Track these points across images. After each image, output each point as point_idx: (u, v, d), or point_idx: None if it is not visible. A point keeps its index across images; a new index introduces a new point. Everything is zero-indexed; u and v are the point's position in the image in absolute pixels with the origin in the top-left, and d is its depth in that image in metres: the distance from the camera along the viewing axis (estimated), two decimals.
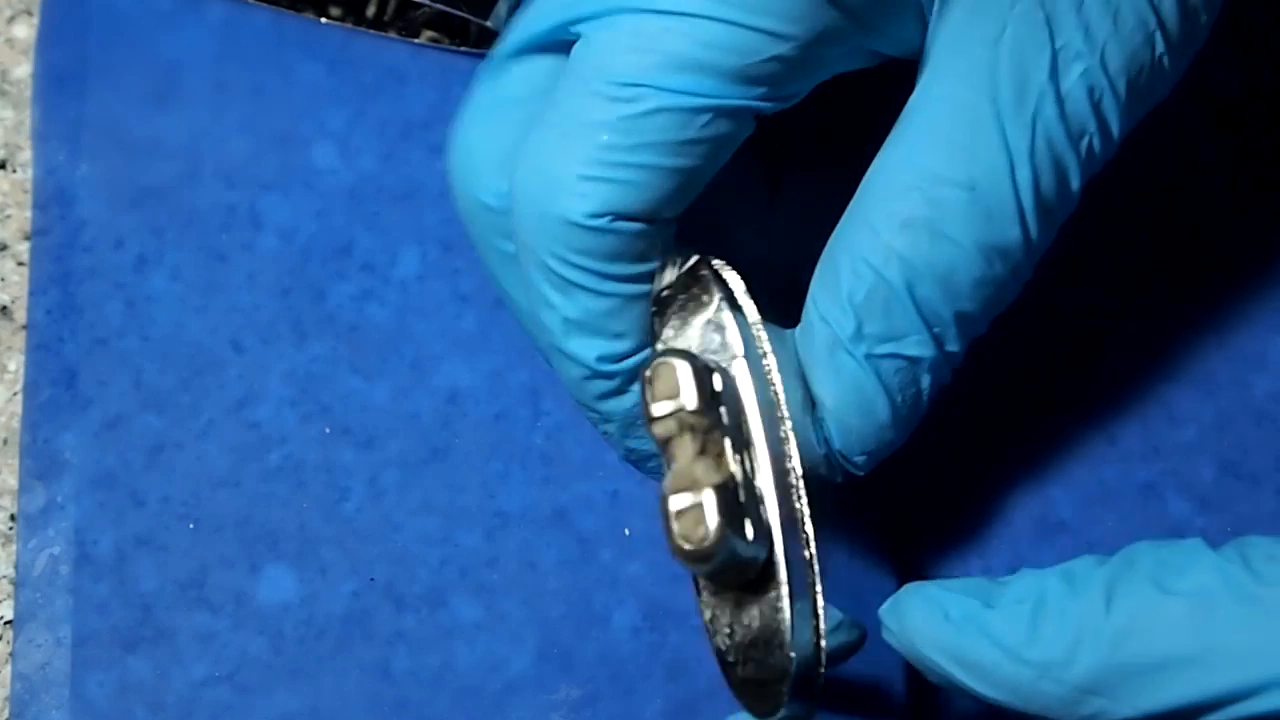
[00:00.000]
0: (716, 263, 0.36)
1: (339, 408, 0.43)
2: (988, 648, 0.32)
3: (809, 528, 0.34)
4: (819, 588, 0.33)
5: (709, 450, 0.33)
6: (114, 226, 0.44)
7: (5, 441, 0.43)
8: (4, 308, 0.44)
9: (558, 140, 0.35)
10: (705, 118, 0.34)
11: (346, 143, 0.45)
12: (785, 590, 0.33)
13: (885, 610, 0.34)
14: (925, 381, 0.36)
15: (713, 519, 0.32)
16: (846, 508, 0.41)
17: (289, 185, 0.45)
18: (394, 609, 0.41)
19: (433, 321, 0.44)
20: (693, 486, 0.33)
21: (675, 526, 0.32)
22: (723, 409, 0.34)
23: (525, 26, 0.36)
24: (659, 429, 0.33)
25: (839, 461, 0.36)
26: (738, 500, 0.33)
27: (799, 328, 0.36)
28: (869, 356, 0.35)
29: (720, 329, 0.35)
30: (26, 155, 0.46)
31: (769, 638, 0.33)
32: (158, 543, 0.42)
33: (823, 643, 0.33)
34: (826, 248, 0.36)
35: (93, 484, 0.42)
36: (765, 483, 0.33)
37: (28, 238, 0.45)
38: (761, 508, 0.33)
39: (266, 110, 0.46)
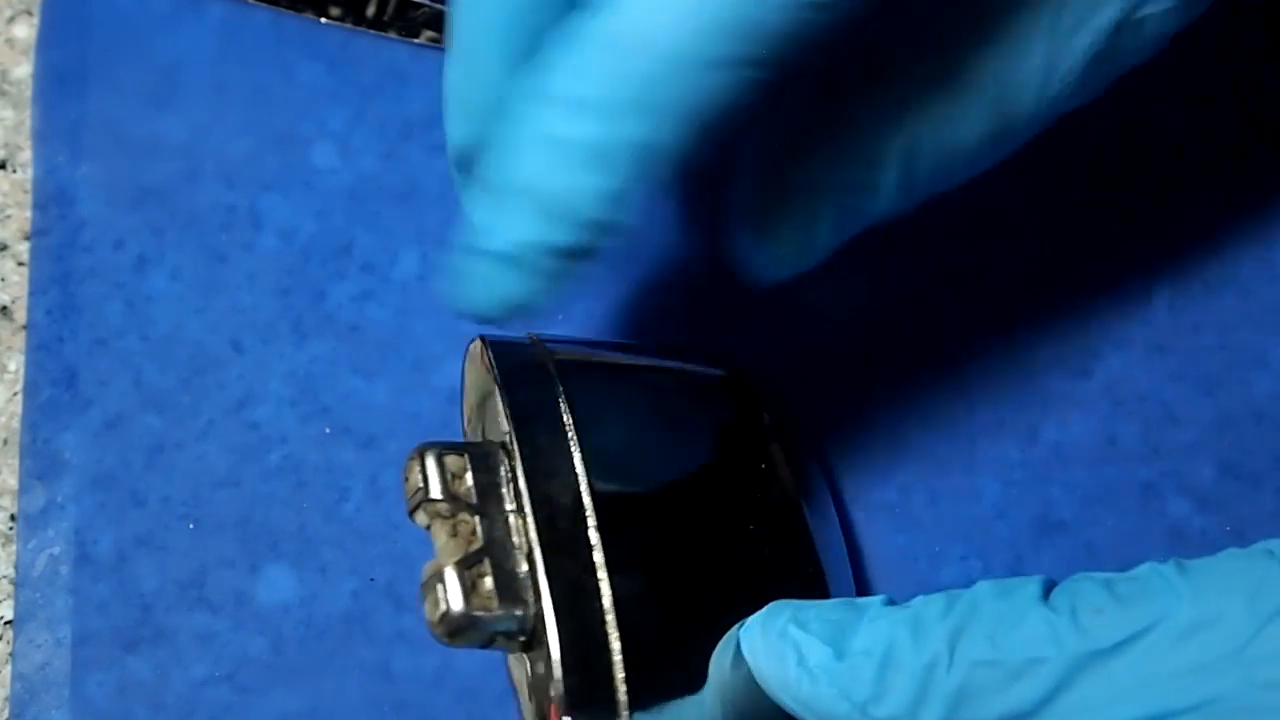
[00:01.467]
0: (497, 339, 0.37)
1: (339, 408, 0.43)
2: (837, 699, 0.32)
3: (604, 588, 0.34)
4: (615, 642, 0.34)
5: (460, 531, 0.35)
6: (114, 226, 0.44)
7: (5, 441, 0.43)
8: (4, 308, 0.44)
9: None
10: None
11: (346, 143, 0.45)
12: (554, 650, 0.34)
13: (743, 635, 0.34)
14: None
15: (454, 599, 0.34)
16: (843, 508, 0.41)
17: (289, 185, 0.45)
18: (394, 609, 0.41)
19: (433, 321, 0.44)
20: (439, 569, 0.35)
21: (424, 606, 0.35)
22: (495, 482, 0.36)
23: None
24: (416, 519, 0.36)
25: None
26: (506, 573, 0.35)
27: None
28: None
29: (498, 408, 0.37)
30: (26, 155, 0.46)
31: (549, 691, 0.34)
32: (158, 543, 0.42)
33: (620, 694, 0.34)
34: None
35: (93, 484, 0.42)
36: (535, 551, 0.35)
37: (28, 238, 0.45)
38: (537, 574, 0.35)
39: (266, 110, 0.46)
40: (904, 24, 0.37)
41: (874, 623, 0.32)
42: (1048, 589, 0.32)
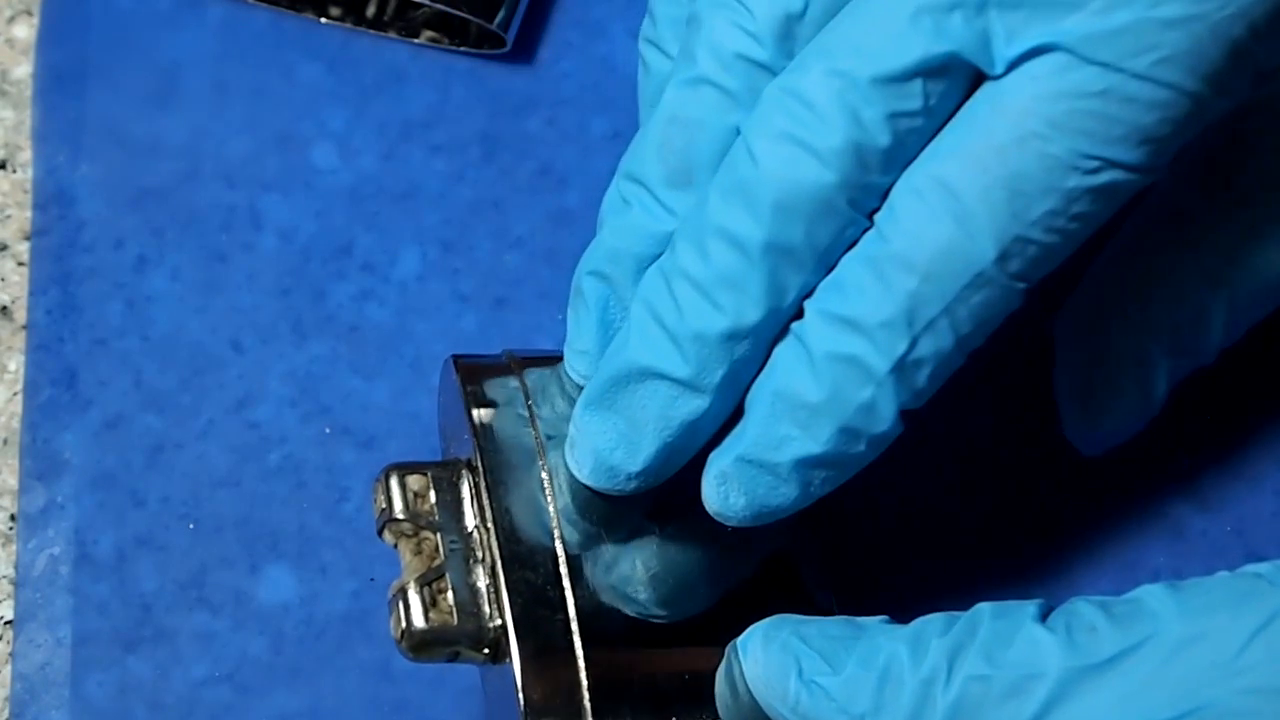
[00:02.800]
0: (468, 360, 0.38)
1: (339, 408, 0.43)
2: (836, 713, 0.32)
3: (568, 599, 0.35)
4: (579, 652, 0.34)
5: (424, 549, 0.36)
6: (114, 226, 0.44)
7: (5, 441, 0.43)
8: (4, 308, 0.44)
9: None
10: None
11: (346, 143, 0.45)
12: (516, 660, 0.34)
13: (743, 647, 0.34)
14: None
15: (415, 615, 0.35)
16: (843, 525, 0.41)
17: (289, 185, 0.45)
18: None
19: (433, 321, 0.44)
20: (402, 587, 0.35)
21: (390, 621, 0.35)
22: (459, 499, 0.36)
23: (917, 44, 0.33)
24: (384, 538, 0.36)
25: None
26: (467, 587, 0.35)
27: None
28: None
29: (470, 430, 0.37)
30: (26, 155, 0.46)
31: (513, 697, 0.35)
32: (158, 543, 0.42)
33: (585, 704, 0.34)
34: None
35: (93, 484, 0.42)
36: (497, 564, 0.35)
37: (28, 238, 0.45)
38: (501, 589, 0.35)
39: (266, 110, 0.46)
40: (1201, 182, 0.38)
41: (874, 639, 0.33)
42: (1045, 611, 0.32)
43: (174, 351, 0.43)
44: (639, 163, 0.36)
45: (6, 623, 0.41)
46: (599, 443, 0.35)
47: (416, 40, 0.47)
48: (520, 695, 0.34)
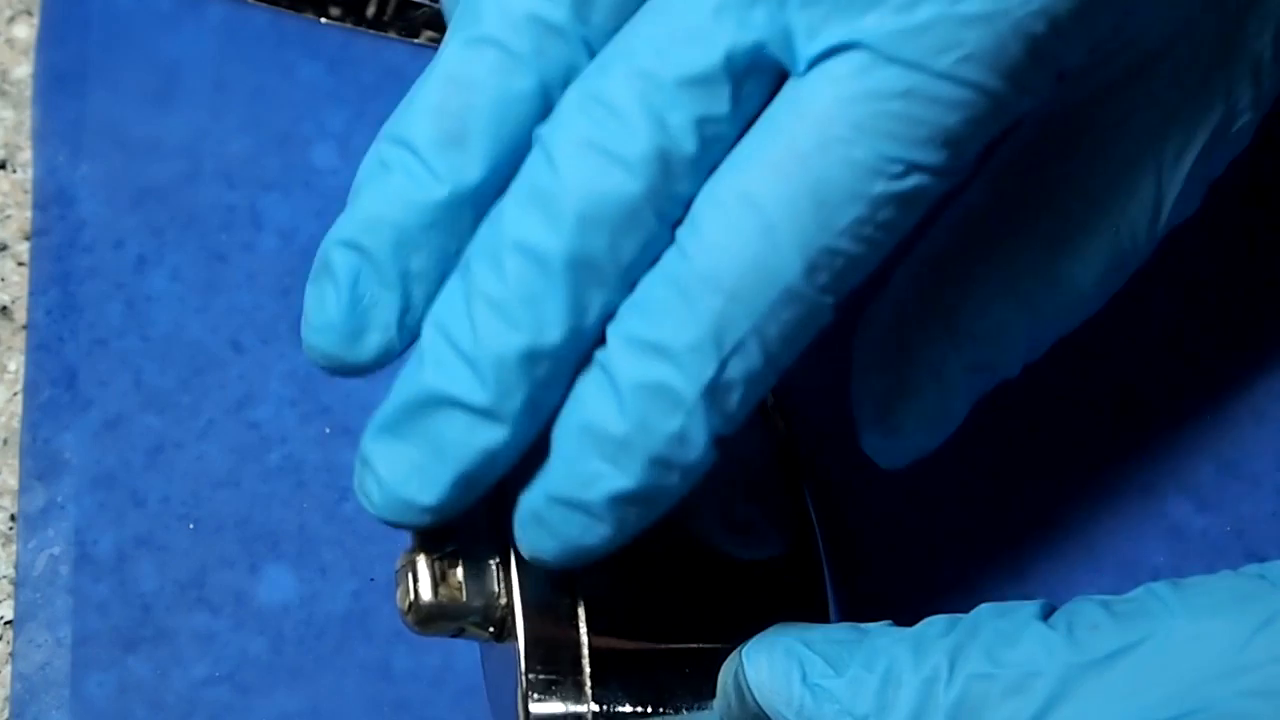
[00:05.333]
0: None
1: (339, 408, 0.43)
2: (839, 715, 0.32)
3: (576, 582, 0.35)
4: (584, 635, 0.34)
5: None
6: (114, 226, 0.44)
7: (5, 441, 0.43)
8: (4, 308, 0.44)
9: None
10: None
11: (346, 143, 0.45)
12: (520, 639, 0.34)
13: (746, 653, 0.34)
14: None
15: (424, 588, 0.34)
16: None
17: (289, 185, 0.45)
18: (394, 609, 0.41)
19: None
20: (411, 559, 0.35)
21: (396, 595, 0.35)
22: None
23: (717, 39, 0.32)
24: None
25: None
26: (477, 564, 0.35)
27: None
28: None
29: None
30: (26, 155, 0.46)
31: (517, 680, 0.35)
32: (158, 543, 0.42)
33: (586, 687, 0.34)
34: None
35: (93, 484, 0.42)
36: (509, 544, 0.34)
37: (28, 238, 0.45)
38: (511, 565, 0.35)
39: (266, 110, 0.46)
40: (1004, 192, 0.37)
41: (877, 642, 0.33)
42: (1048, 611, 0.32)
43: (174, 351, 0.43)
44: (406, 125, 0.33)
45: (6, 623, 0.41)
46: (389, 473, 0.33)
47: (416, 40, 0.47)
48: (522, 675, 0.34)
